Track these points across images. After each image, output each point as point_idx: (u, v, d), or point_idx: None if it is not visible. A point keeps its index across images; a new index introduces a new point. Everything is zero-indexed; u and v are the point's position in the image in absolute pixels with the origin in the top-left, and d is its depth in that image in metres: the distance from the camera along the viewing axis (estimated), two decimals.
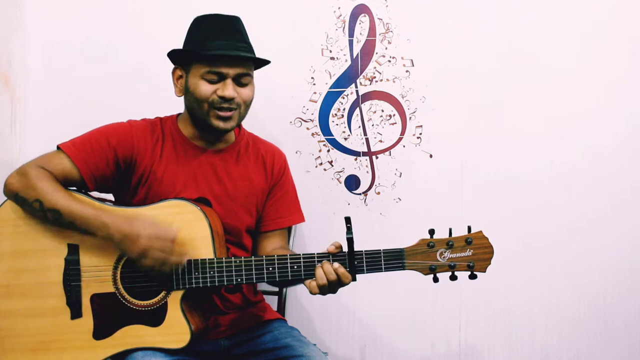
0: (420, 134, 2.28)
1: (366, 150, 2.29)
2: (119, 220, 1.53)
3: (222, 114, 1.67)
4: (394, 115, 2.28)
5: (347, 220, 1.52)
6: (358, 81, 2.28)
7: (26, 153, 2.20)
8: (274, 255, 1.57)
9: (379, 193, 2.29)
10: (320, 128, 2.28)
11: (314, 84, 2.27)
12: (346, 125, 2.28)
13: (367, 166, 2.28)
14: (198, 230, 1.58)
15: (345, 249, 1.54)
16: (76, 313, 1.57)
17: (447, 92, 2.27)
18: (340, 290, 1.56)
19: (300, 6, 2.26)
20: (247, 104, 1.73)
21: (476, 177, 2.27)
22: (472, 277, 1.54)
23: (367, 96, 2.28)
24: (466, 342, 2.29)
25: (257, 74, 1.85)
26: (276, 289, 2.05)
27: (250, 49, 1.71)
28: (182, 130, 1.76)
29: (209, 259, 1.57)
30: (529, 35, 2.26)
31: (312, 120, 2.28)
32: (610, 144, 2.27)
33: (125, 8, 2.26)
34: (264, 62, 1.75)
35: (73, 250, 1.58)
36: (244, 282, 1.57)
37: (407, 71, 2.28)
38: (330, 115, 2.28)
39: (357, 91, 2.28)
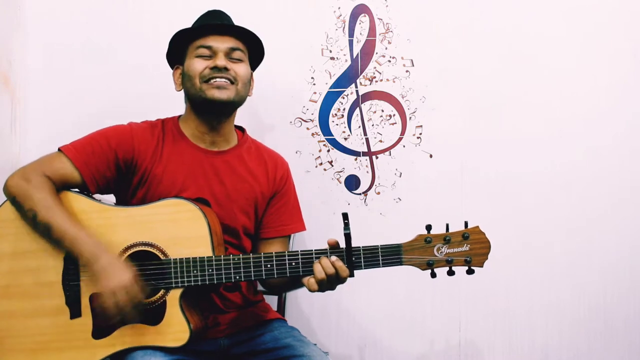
0: (420, 134, 2.28)
1: (366, 150, 2.29)
2: (103, 257, 1.52)
3: (215, 82, 1.68)
4: (394, 115, 2.28)
5: (345, 216, 1.52)
6: (358, 81, 2.28)
7: (26, 153, 2.20)
8: (272, 252, 1.57)
9: (379, 193, 2.29)
10: (320, 128, 2.28)
11: (314, 84, 2.27)
12: (346, 125, 2.28)
13: (367, 166, 2.28)
14: (196, 229, 1.58)
15: (343, 245, 1.54)
16: (75, 313, 1.57)
17: (447, 92, 2.27)
18: (340, 290, 1.56)
19: (300, 6, 2.26)
20: (244, 82, 1.73)
21: (476, 177, 2.27)
22: (470, 272, 1.55)
23: (367, 96, 2.28)
24: (466, 342, 2.29)
25: (257, 74, 1.85)
26: None
27: (238, 28, 1.74)
28: (184, 131, 1.76)
29: (207, 257, 1.57)
30: (529, 35, 2.26)
31: (312, 120, 2.28)
32: (610, 144, 2.27)
33: (125, 8, 2.26)
34: (259, 57, 1.78)
35: None
36: (243, 279, 1.57)
37: (407, 71, 2.28)
38: (330, 115, 2.28)
39: (357, 91, 2.28)
